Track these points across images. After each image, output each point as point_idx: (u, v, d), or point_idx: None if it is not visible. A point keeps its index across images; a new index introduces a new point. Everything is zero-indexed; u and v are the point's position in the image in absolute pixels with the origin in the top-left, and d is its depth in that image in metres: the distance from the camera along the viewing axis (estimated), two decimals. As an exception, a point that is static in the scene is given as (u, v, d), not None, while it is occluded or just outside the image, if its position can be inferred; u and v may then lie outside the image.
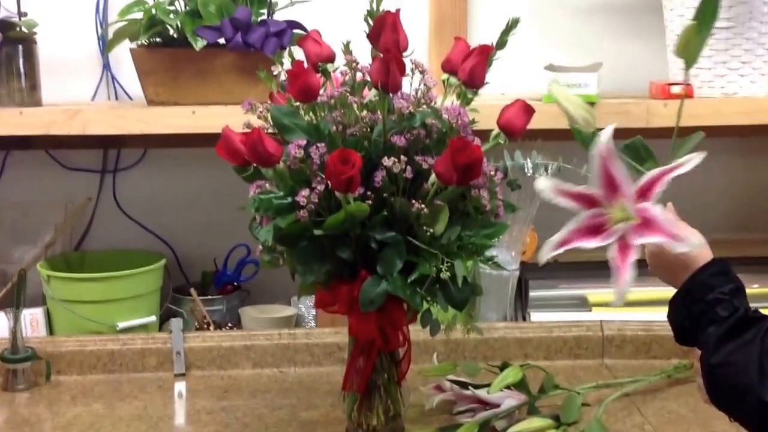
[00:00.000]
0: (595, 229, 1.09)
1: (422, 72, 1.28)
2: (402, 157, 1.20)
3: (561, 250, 1.08)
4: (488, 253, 1.27)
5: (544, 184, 1.10)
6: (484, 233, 1.25)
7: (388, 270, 1.23)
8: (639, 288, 1.96)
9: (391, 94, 1.23)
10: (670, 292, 1.91)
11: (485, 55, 1.29)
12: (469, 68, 1.29)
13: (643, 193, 1.10)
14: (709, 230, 2.08)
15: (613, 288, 1.08)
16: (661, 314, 1.83)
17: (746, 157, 2.11)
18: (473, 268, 1.30)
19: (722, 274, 1.12)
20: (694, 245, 1.08)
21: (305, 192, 1.19)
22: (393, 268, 1.23)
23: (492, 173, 1.27)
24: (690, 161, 1.10)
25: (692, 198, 2.09)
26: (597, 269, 2.02)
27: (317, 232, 1.21)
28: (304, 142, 1.22)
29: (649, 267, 1.17)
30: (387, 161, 1.19)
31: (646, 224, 1.09)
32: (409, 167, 1.20)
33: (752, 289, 1.90)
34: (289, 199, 1.22)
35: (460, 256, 1.23)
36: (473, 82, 1.30)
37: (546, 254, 1.09)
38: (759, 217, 2.12)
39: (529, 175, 1.48)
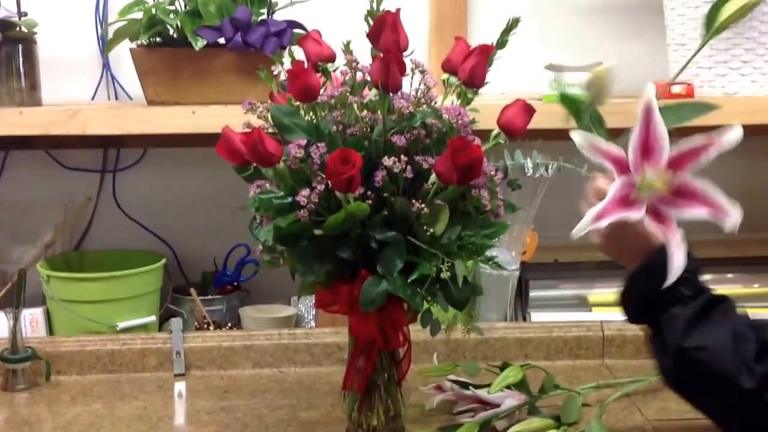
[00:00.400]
0: (628, 200, 1.02)
1: (422, 72, 1.28)
2: (402, 156, 1.20)
3: (602, 223, 1.01)
4: (488, 253, 1.27)
5: (579, 136, 1.02)
6: (485, 233, 1.25)
7: (388, 270, 1.23)
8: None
9: (391, 94, 1.23)
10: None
11: (485, 54, 1.29)
12: (470, 68, 1.29)
13: (677, 163, 1.02)
14: (709, 230, 2.09)
15: (669, 268, 1.01)
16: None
17: (747, 157, 2.11)
18: (473, 268, 1.30)
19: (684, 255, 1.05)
20: (736, 216, 1.01)
21: (305, 192, 1.19)
22: (393, 268, 1.23)
23: (492, 173, 1.26)
24: (735, 133, 1.02)
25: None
26: (597, 269, 2.03)
27: (317, 231, 1.21)
28: (304, 142, 1.22)
29: (600, 241, 1.11)
30: (387, 161, 1.19)
31: (681, 194, 1.02)
32: (409, 167, 1.20)
33: (752, 289, 1.90)
34: (290, 199, 1.22)
35: (461, 256, 1.23)
36: (473, 81, 1.30)
37: (583, 227, 1.01)
38: (759, 217, 2.12)
39: (529, 174, 1.48)
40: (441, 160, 1.19)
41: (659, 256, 1.04)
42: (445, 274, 1.21)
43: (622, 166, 1.02)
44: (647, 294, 1.06)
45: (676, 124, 1.09)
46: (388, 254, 1.23)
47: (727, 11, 1.15)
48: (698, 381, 1.02)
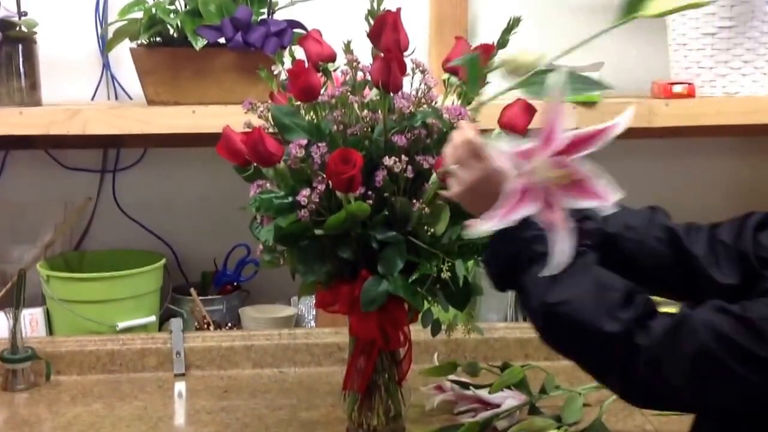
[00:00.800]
0: (526, 189, 1.02)
1: (423, 72, 1.28)
2: (403, 156, 1.20)
3: (509, 220, 1.01)
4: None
5: (492, 148, 1.02)
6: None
7: (388, 270, 1.23)
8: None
9: (391, 94, 1.23)
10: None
11: (486, 54, 1.29)
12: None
13: (568, 149, 1.03)
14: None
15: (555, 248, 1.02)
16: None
17: (748, 157, 2.11)
18: (474, 268, 1.30)
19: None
20: (613, 201, 1.03)
21: (306, 191, 1.19)
22: (394, 268, 1.23)
23: None
24: (624, 118, 1.04)
25: (694, 197, 2.09)
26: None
27: (318, 231, 1.21)
28: (305, 142, 1.22)
29: (456, 191, 1.11)
30: (388, 161, 1.19)
31: (572, 183, 1.03)
32: (410, 167, 1.20)
33: (754, 289, 1.90)
34: (290, 199, 1.22)
35: (461, 255, 1.23)
36: (474, 82, 1.30)
37: (491, 227, 1.01)
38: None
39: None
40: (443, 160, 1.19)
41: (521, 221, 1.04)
42: (445, 274, 1.21)
43: (526, 157, 1.03)
44: (506, 258, 1.07)
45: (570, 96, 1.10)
46: (388, 254, 1.23)
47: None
48: (567, 334, 1.03)
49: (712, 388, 0.95)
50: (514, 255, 1.06)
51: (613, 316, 0.98)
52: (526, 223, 1.04)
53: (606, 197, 1.03)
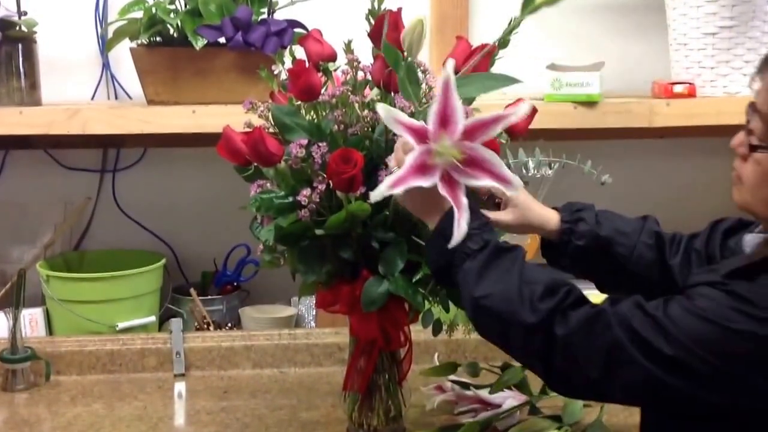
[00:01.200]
0: (425, 167, 1.07)
1: (424, 71, 1.28)
2: None
3: (398, 189, 1.05)
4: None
5: (382, 109, 1.06)
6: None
7: (389, 270, 1.23)
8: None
9: (392, 94, 1.23)
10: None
11: (488, 55, 1.28)
12: (472, 69, 1.28)
13: (470, 134, 1.07)
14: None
15: (455, 230, 1.07)
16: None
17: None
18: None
19: (471, 212, 1.09)
20: (518, 186, 1.08)
21: (306, 191, 1.19)
22: (394, 268, 1.23)
23: None
24: (522, 107, 1.08)
25: (695, 197, 2.09)
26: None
27: (318, 231, 1.21)
28: (305, 142, 1.22)
29: (399, 198, 1.14)
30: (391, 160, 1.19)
31: (471, 163, 1.07)
32: None
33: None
34: (290, 199, 1.22)
35: None
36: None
37: (382, 192, 1.04)
38: (761, 217, 2.11)
39: (531, 174, 1.48)
40: None
41: (450, 218, 1.08)
42: None
43: (421, 137, 1.06)
44: (443, 255, 1.10)
45: (482, 92, 1.16)
46: (389, 254, 1.23)
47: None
48: (494, 326, 1.07)
49: (624, 380, 0.99)
50: (451, 252, 1.09)
51: (534, 307, 1.03)
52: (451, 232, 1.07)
53: (509, 180, 1.08)
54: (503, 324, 1.05)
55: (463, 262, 1.09)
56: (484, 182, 1.07)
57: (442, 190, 1.06)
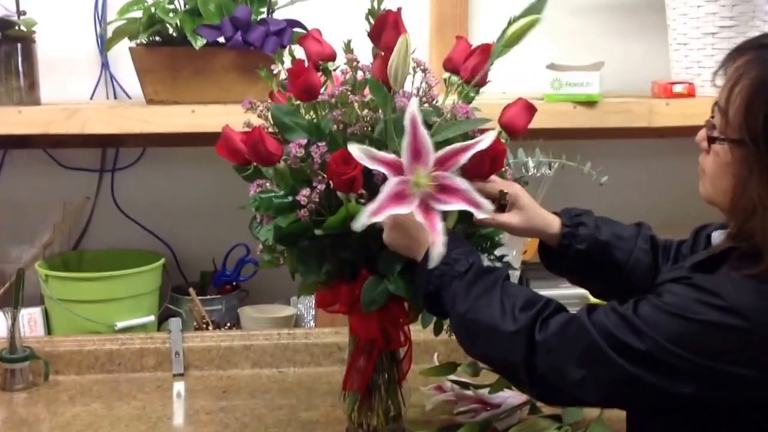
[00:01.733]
0: (402, 196, 1.13)
1: (424, 71, 1.28)
2: None
3: (378, 218, 1.11)
4: (498, 252, 1.27)
5: (355, 149, 1.12)
6: (485, 231, 1.25)
7: (389, 269, 1.23)
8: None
9: (392, 92, 1.22)
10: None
11: (487, 54, 1.28)
12: (472, 67, 1.29)
13: (442, 163, 1.15)
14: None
15: (432, 251, 1.13)
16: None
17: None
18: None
19: (457, 240, 1.18)
20: (488, 210, 1.15)
21: (306, 191, 1.19)
22: (394, 268, 1.23)
23: (503, 170, 1.27)
24: (488, 137, 1.16)
25: (695, 197, 2.09)
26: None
27: (318, 232, 1.20)
28: (305, 142, 1.21)
29: (385, 238, 1.21)
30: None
31: (445, 191, 1.15)
32: None
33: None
34: (290, 199, 1.22)
35: None
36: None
37: (363, 222, 1.10)
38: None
39: (531, 173, 1.48)
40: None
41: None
42: None
43: (396, 169, 1.13)
44: (432, 282, 1.17)
45: (458, 133, 1.22)
46: (388, 254, 1.23)
47: (510, 31, 1.24)
48: (479, 339, 1.13)
49: (602, 380, 1.03)
50: (439, 276, 1.16)
51: (515, 316, 1.09)
52: (448, 250, 1.13)
53: (480, 205, 1.14)
54: (486, 336, 1.12)
55: (450, 283, 1.15)
56: (457, 207, 1.14)
57: (419, 217, 1.13)
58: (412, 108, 1.12)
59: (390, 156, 1.14)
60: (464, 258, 1.16)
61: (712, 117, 1.10)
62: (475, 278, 1.14)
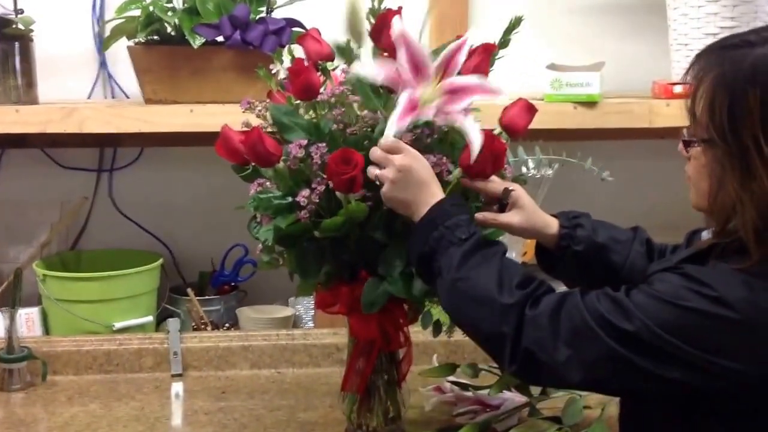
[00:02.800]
0: (414, 107, 1.16)
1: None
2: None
3: (402, 124, 1.15)
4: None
5: (359, 67, 1.17)
6: (486, 231, 1.25)
7: (388, 271, 1.22)
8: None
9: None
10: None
11: (488, 53, 1.28)
12: (473, 67, 1.28)
13: (443, 71, 1.17)
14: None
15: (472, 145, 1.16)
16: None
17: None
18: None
19: (461, 206, 1.18)
20: (502, 92, 1.18)
21: (306, 192, 1.18)
22: (394, 269, 1.22)
23: (503, 170, 1.26)
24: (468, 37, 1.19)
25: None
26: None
27: (317, 233, 1.20)
28: (305, 142, 1.21)
29: (384, 193, 1.19)
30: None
31: (457, 92, 1.17)
32: None
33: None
34: (289, 199, 1.21)
35: None
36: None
37: (391, 131, 1.14)
38: None
39: (531, 174, 1.47)
40: (467, 155, 1.18)
41: (441, 207, 1.15)
42: None
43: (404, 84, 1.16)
44: (428, 242, 1.15)
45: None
46: (388, 255, 1.22)
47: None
48: (468, 306, 1.12)
49: (587, 358, 1.04)
50: (437, 239, 1.14)
51: (511, 291, 1.09)
52: (447, 212, 1.15)
53: (494, 90, 1.18)
54: (478, 305, 1.11)
55: (448, 248, 1.14)
56: (475, 98, 1.17)
57: (441, 121, 1.17)
58: (398, 25, 1.15)
59: (394, 71, 1.16)
60: (465, 226, 1.15)
61: (689, 126, 1.13)
62: (473, 248, 1.13)
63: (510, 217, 1.27)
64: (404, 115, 1.15)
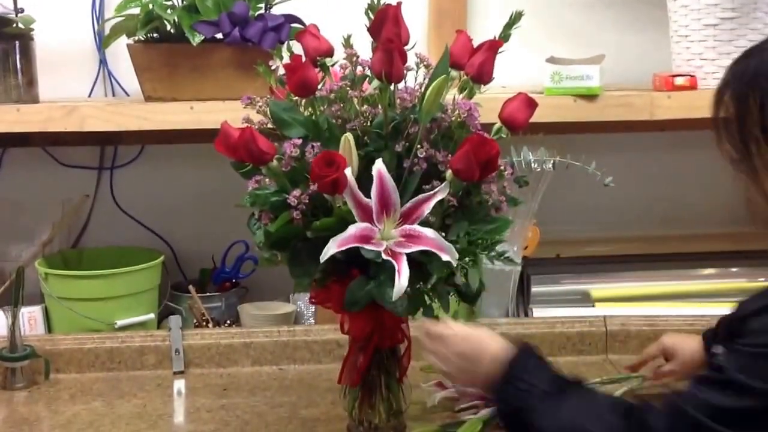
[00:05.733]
0: (368, 239, 1.18)
1: (427, 66, 1.27)
2: (424, 144, 1.20)
3: (343, 248, 1.15)
4: (498, 248, 1.26)
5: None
6: (488, 228, 1.24)
7: (375, 273, 1.21)
8: (642, 283, 1.97)
9: (393, 85, 1.21)
10: (671, 287, 1.91)
11: (494, 50, 1.27)
12: (478, 63, 1.28)
13: (408, 216, 1.20)
14: (715, 223, 2.08)
15: (396, 284, 1.16)
16: (664, 309, 1.82)
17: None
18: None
19: (527, 350, 1.20)
20: (453, 255, 1.17)
21: (296, 192, 1.18)
22: (380, 273, 1.21)
23: (502, 168, 1.25)
24: (442, 190, 1.20)
25: (697, 190, 2.08)
26: (599, 264, 2.02)
27: (309, 234, 1.19)
28: (300, 141, 1.20)
29: (450, 377, 1.26)
30: (399, 147, 1.20)
31: (412, 238, 1.19)
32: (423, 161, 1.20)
33: (757, 282, 1.89)
34: (285, 196, 1.21)
35: (473, 252, 1.22)
36: (482, 77, 1.29)
37: (329, 252, 1.15)
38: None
39: (532, 169, 1.47)
40: (458, 158, 1.17)
41: (510, 365, 1.17)
42: (461, 279, 1.20)
43: (367, 213, 1.18)
44: (514, 400, 1.16)
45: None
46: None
47: (427, 100, 1.22)
48: None
49: None
50: (521, 397, 1.15)
51: (614, 426, 1.06)
52: (520, 377, 1.16)
53: (445, 249, 1.17)
54: None
55: (534, 403, 1.13)
56: (423, 248, 1.18)
57: (386, 256, 1.16)
58: (379, 164, 1.18)
59: (365, 200, 1.18)
60: (547, 372, 1.16)
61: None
62: (559, 397, 1.13)
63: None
64: (351, 242, 1.16)
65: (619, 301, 1.86)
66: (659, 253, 2.02)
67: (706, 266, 1.96)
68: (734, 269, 1.94)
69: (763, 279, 1.89)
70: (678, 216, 2.09)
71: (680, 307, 1.83)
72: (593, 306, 1.88)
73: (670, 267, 1.97)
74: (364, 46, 1.29)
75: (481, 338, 1.23)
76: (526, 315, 1.88)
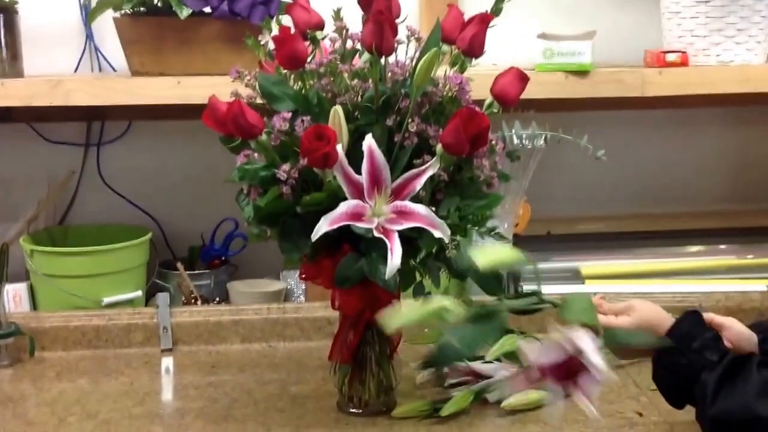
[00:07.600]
0: (360, 216, 1.18)
1: (418, 39, 1.26)
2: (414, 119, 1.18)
3: (335, 226, 1.16)
4: (489, 224, 1.26)
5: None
6: (479, 204, 1.23)
7: (368, 249, 1.20)
8: (632, 260, 1.97)
9: (384, 58, 1.20)
10: (660, 264, 1.91)
11: (485, 23, 1.26)
12: (470, 37, 1.27)
13: (399, 192, 1.20)
14: (705, 201, 2.09)
15: (389, 262, 1.16)
16: (654, 286, 1.82)
17: (740, 127, 2.09)
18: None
19: (699, 324, 1.17)
20: (446, 232, 1.18)
21: (285, 167, 1.16)
22: (372, 249, 1.20)
23: (494, 143, 1.25)
24: (433, 165, 1.20)
25: (688, 168, 2.08)
26: (590, 241, 2.02)
27: (299, 210, 1.18)
28: (289, 115, 1.19)
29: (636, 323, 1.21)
30: (389, 122, 1.19)
31: (403, 215, 1.19)
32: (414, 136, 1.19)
33: (746, 260, 1.89)
34: (274, 171, 1.19)
35: (464, 227, 1.21)
36: (473, 51, 1.28)
37: (320, 230, 1.16)
38: (754, 188, 2.11)
39: (525, 146, 1.46)
40: (448, 132, 1.16)
41: (675, 331, 1.16)
42: (451, 253, 1.19)
43: (358, 189, 1.19)
44: (678, 371, 1.16)
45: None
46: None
47: (418, 74, 1.21)
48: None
49: None
50: (687, 365, 1.15)
51: None
52: (693, 335, 1.15)
53: (437, 226, 1.18)
54: (744, 429, 1.09)
55: (701, 373, 1.13)
56: (415, 225, 1.18)
57: (377, 233, 1.17)
58: (369, 140, 1.18)
59: (355, 176, 1.18)
60: (714, 344, 1.14)
61: None
62: (729, 371, 1.11)
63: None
64: (342, 220, 1.16)
65: (609, 278, 1.86)
66: (649, 230, 2.02)
67: (696, 243, 1.96)
68: (723, 246, 1.94)
69: (751, 256, 1.89)
70: (668, 194, 2.09)
71: (670, 284, 1.83)
72: (583, 283, 1.87)
73: (660, 244, 1.97)
74: (354, 21, 1.28)
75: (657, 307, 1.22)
76: (517, 292, 1.87)
